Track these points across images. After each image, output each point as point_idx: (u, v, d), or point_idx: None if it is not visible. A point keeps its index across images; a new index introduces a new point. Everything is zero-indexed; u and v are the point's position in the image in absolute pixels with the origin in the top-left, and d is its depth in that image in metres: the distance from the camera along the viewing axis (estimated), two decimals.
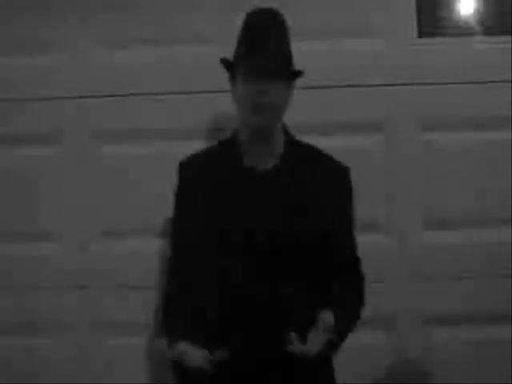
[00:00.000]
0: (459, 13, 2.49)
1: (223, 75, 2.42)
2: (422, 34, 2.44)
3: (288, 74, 1.78)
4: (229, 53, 2.42)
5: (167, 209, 2.40)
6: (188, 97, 2.43)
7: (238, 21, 2.41)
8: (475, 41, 2.46)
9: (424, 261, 2.39)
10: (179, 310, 1.82)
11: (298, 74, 1.81)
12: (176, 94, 2.43)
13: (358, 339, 2.31)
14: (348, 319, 1.79)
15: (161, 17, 2.44)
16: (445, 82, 2.41)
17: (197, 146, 2.39)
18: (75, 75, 2.45)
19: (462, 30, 2.48)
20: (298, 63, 1.82)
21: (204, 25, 2.43)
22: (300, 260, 1.76)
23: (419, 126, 2.42)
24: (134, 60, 2.44)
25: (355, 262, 1.90)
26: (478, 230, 2.40)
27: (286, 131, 1.86)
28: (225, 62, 1.83)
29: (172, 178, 2.41)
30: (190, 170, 1.88)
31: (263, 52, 1.73)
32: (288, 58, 1.79)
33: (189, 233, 1.83)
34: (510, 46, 2.40)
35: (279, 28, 1.79)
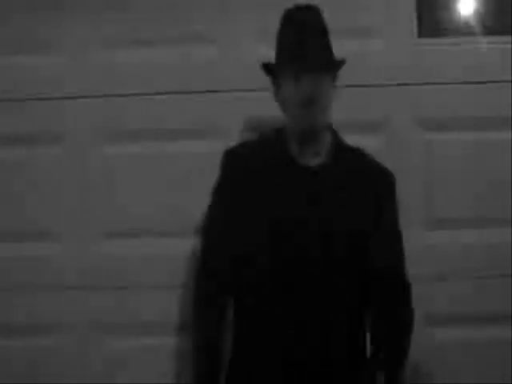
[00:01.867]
0: (459, 13, 2.49)
1: (223, 75, 2.43)
2: (421, 33, 2.45)
3: (333, 66, 1.81)
4: (229, 53, 2.43)
5: (167, 209, 2.42)
6: (188, 97, 2.43)
7: (238, 21, 2.43)
8: (475, 41, 2.45)
9: (424, 261, 2.39)
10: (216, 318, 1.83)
11: (341, 64, 1.84)
12: (176, 94, 2.43)
13: None
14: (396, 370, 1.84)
15: (161, 17, 2.44)
16: (445, 82, 2.41)
17: (197, 145, 2.41)
18: (75, 75, 2.45)
19: (462, 30, 2.48)
20: None
21: (204, 25, 2.43)
22: (343, 259, 1.77)
23: (419, 126, 2.42)
24: (134, 60, 2.44)
25: (402, 286, 1.88)
26: (478, 230, 2.40)
27: (333, 132, 1.89)
28: (266, 67, 1.84)
29: (172, 178, 2.42)
30: (237, 158, 1.87)
31: (306, 47, 1.76)
32: (329, 50, 1.83)
33: (232, 221, 1.81)
34: (509, 46, 2.40)
35: (320, 23, 1.82)
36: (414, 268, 2.40)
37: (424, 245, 2.40)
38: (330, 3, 2.40)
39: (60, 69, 2.46)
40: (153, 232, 2.42)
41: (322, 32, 1.82)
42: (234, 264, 1.80)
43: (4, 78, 2.47)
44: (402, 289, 1.88)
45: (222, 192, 1.86)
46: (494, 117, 2.40)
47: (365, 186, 1.83)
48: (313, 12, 1.83)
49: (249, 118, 2.39)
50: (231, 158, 1.87)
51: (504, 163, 2.40)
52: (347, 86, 2.38)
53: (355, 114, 2.39)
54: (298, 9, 1.83)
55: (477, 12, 2.49)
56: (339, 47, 2.42)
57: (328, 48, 1.82)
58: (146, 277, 2.40)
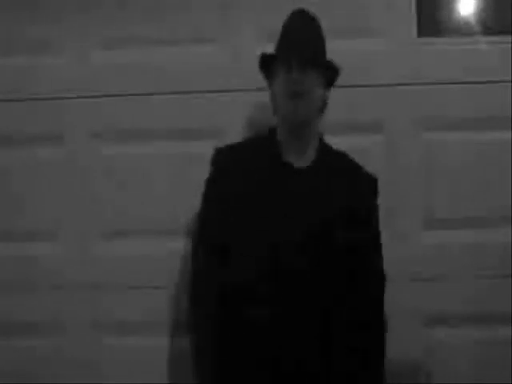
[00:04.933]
0: (459, 13, 2.49)
1: (223, 75, 2.43)
2: (421, 33, 2.44)
3: (322, 64, 1.88)
4: (229, 53, 2.43)
5: (167, 209, 2.42)
6: (188, 97, 2.43)
7: (238, 21, 2.43)
8: (475, 41, 2.45)
9: (424, 261, 2.39)
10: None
11: (333, 68, 1.91)
12: (176, 94, 2.43)
13: None
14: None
15: (160, 17, 2.44)
16: (445, 81, 2.41)
17: (197, 146, 2.41)
18: (75, 75, 2.45)
19: (462, 30, 2.48)
20: None
21: (204, 25, 2.43)
22: (326, 256, 1.82)
23: (419, 126, 2.42)
24: (133, 60, 2.44)
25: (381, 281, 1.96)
26: (478, 230, 2.40)
27: (320, 138, 1.96)
28: (262, 59, 1.93)
29: (172, 178, 2.42)
30: (227, 157, 1.94)
31: (300, 44, 1.85)
32: (322, 51, 1.91)
33: (222, 220, 1.86)
34: (509, 46, 2.40)
35: (315, 26, 1.92)
36: (414, 268, 2.41)
37: (424, 245, 2.40)
38: (331, 3, 2.41)
39: (60, 69, 2.46)
40: (153, 232, 2.42)
41: (319, 36, 1.93)
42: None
43: (4, 78, 2.47)
44: (380, 286, 1.96)
45: (213, 187, 1.93)
46: (494, 117, 2.40)
47: (348, 187, 1.90)
48: (314, 19, 1.94)
49: (249, 119, 2.39)
50: (221, 155, 1.94)
51: (504, 163, 2.40)
52: (347, 86, 2.38)
53: (355, 113, 2.39)
54: (302, 12, 1.93)
55: (477, 12, 2.49)
56: (339, 47, 2.43)
57: (317, 47, 1.90)
58: (145, 277, 2.40)
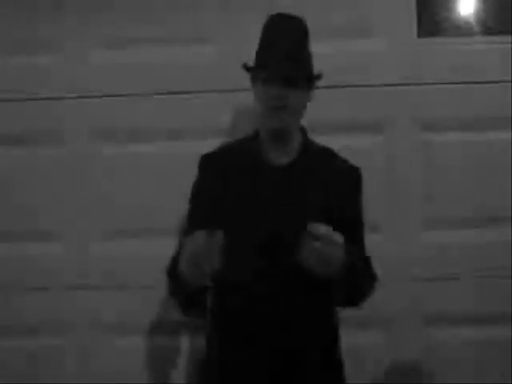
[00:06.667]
0: (459, 13, 2.49)
1: (223, 75, 2.43)
2: (421, 33, 2.44)
3: (307, 79, 1.82)
4: (229, 53, 2.43)
5: (167, 208, 2.42)
6: (188, 97, 2.43)
7: (238, 21, 2.43)
8: (475, 41, 2.46)
9: (424, 261, 2.39)
10: None
11: (317, 78, 1.84)
12: (176, 94, 2.43)
13: (358, 339, 2.33)
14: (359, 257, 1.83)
15: (160, 17, 2.44)
16: (445, 81, 2.41)
17: (197, 146, 2.40)
18: (75, 75, 2.46)
19: (461, 30, 2.48)
20: None
21: (204, 25, 2.43)
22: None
23: (419, 126, 2.42)
24: (134, 60, 2.44)
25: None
26: (478, 230, 2.40)
27: (303, 132, 1.93)
28: (245, 66, 1.86)
29: (172, 178, 2.42)
30: (210, 162, 1.93)
31: (283, 58, 1.77)
32: (307, 64, 1.83)
33: (205, 223, 1.84)
34: (509, 46, 2.40)
35: (299, 34, 1.83)
36: (413, 268, 2.41)
37: (424, 245, 2.40)
38: (330, 3, 2.41)
39: (60, 69, 2.46)
40: (153, 232, 2.42)
41: (300, 43, 1.82)
42: None
43: (4, 78, 2.47)
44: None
45: (197, 194, 1.91)
46: (494, 117, 2.40)
47: (331, 181, 1.87)
48: (294, 22, 1.84)
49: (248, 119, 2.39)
50: (207, 160, 1.93)
51: (504, 163, 2.40)
52: (347, 86, 2.39)
53: (355, 113, 2.40)
54: (278, 17, 1.84)
55: (477, 12, 2.49)
56: (339, 47, 2.44)
57: (304, 60, 1.82)
58: (146, 276, 2.40)
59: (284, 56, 1.77)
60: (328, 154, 1.95)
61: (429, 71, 2.42)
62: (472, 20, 2.48)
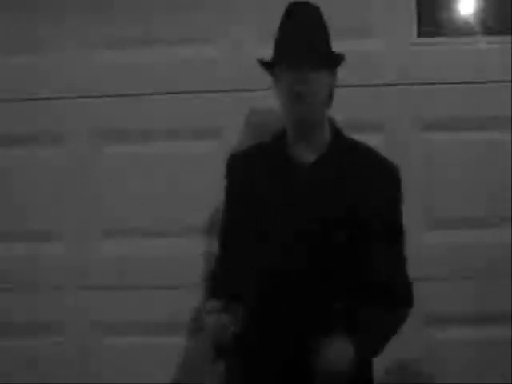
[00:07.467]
0: (459, 13, 2.49)
1: (223, 75, 2.43)
2: (421, 33, 2.44)
3: (328, 61, 1.81)
4: (229, 53, 2.43)
5: (167, 209, 2.42)
6: (188, 97, 2.43)
7: (238, 21, 2.43)
8: (475, 41, 2.45)
9: (424, 261, 2.39)
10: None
11: (339, 60, 1.83)
12: (176, 94, 2.43)
13: None
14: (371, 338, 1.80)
15: (160, 17, 2.44)
16: (445, 81, 2.41)
17: (197, 146, 2.41)
18: (75, 75, 2.46)
19: (462, 30, 2.48)
20: None
21: (204, 25, 2.43)
22: (335, 253, 1.76)
23: (419, 126, 2.42)
24: (134, 60, 2.44)
25: (402, 288, 1.87)
26: (477, 230, 2.40)
27: (332, 125, 1.88)
28: (263, 62, 1.85)
29: (172, 178, 2.42)
30: (239, 163, 1.90)
31: (303, 42, 1.76)
32: (327, 46, 1.83)
33: (238, 224, 1.84)
34: (510, 46, 2.40)
35: (317, 19, 1.82)
36: (413, 268, 2.41)
37: (424, 245, 2.40)
38: (330, 3, 2.41)
39: (60, 69, 2.46)
40: (152, 232, 2.42)
41: (319, 27, 1.82)
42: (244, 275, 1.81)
43: (4, 78, 2.47)
44: (401, 293, 1.87)
45: (229, 197, 1.89)
46: (494, 117, 2.40)
47: (363, 179, 1.80)
48: (312, 8, 1.83)
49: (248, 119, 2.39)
50: (233, 162, 1.90)
51: (504, 163, 2.40)
52: (347, 85, 2.38)
53: (355, 113, 2.39)
54: (298, 4, 1.83)
55: (477, 12, 2.49)
56: (339, 47, 2.42)
57: (323, 43, 1.82)
58: (145, 277, 2.40)
59: (303, 39, 1.76)
60: (362, 149, 1.87)
61: (429, 71, 2.42)
62: (472, 20, 2.48)
